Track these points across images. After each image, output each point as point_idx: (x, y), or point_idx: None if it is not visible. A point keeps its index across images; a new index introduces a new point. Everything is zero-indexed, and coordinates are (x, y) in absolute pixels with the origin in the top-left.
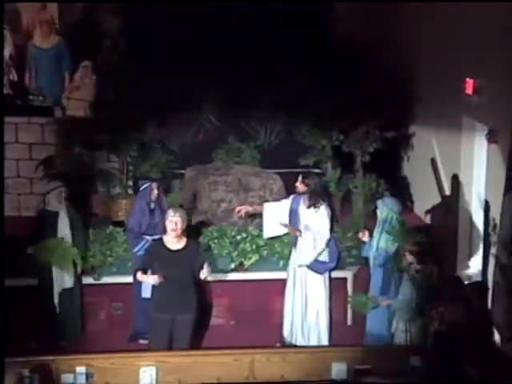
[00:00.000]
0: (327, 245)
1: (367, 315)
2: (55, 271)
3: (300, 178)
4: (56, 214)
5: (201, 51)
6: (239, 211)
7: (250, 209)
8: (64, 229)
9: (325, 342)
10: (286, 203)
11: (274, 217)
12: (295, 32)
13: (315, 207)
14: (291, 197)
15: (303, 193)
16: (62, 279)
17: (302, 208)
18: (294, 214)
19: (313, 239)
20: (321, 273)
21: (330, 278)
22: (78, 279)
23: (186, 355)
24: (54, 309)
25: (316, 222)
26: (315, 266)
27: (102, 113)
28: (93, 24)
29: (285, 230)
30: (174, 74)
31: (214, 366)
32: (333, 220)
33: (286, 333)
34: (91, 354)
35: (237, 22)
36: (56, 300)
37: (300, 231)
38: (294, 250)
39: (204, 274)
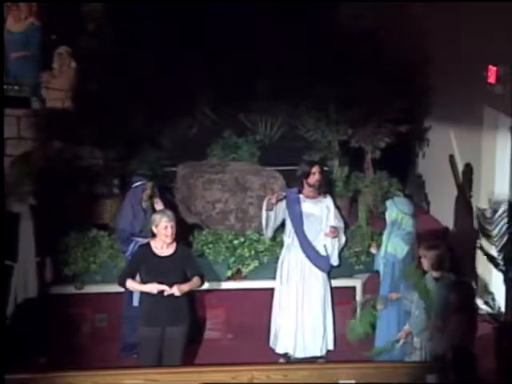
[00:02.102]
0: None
1: (376, 329)
2: (16, 280)
3: (317, 167)
4: (17, 216)
5: (194, 36)
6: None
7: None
8: (26, 232)
9: (330, 346)
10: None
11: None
12: (299, 16)
13: (324, 196)
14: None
15: (318, 182)
16: (26, 288)
17: (305, 202)
18: (297, 212)
19: (343, 233)
20: (324, 270)
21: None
22: (47, 288)
23: (177, 372)
24: (25, 321)
25: (328, 213)
26: (319, 261)
27: (84, 104)
28: (73, 6)
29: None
30: (164, 62)
31: None
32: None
33: (281, 348)
34: (72, 371)
35: (233, 6)
36: (24, 311)
37: (336, 230)
38: (294, 255)
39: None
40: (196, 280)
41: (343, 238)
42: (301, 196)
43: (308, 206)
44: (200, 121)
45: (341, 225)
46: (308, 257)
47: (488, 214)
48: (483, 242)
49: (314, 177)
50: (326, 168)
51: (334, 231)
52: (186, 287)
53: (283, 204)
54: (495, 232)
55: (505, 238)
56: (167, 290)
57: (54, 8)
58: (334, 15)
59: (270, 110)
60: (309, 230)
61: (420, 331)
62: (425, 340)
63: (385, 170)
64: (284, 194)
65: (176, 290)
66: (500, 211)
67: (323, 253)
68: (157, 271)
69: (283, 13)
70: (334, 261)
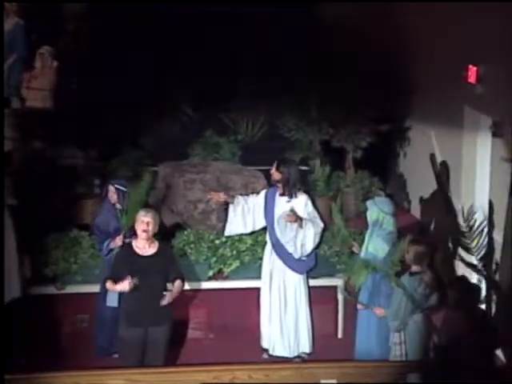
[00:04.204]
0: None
1: (357, 327)
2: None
3: (275, 164)
4: None
5: (175, 35)
6: (211, 198)
7: (221, 198)
8: (8, 232)
9: (306, 349)
10: (257, 199)
11: (241, 215)
12: (280, 15)
13: (290, 196)
14: (263, 192)
15: (277, 181)
16: (10, 288)
17: (279, 201)
18: (270, 210)
19: (313, 228)
20: (300, 272)
21: (308, 281)
22: (27, 288)
23: (159, 372)
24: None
25: (302, 212)
26: (294, 264)
27: (65, 104)
28: (54, 5)
29: (247, 230)
30: (144, 61)
31: None
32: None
33: (265, 344)
34: (54, 371)
35: (213, 6)
36: (6, 311)
37: (301, 219)
38: (268, 253)
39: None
40: (178, 284)
41: (315, 238)
42: (276, 194)
43: (281, 205)
44: (181, 120)
45: (319, 223)
46: (278, 255)
47: (464, 228)
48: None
49: (272, 176)
50: (305, 168)
51: (291, 216)
52: (170, 297)
53: (256, 204)
54: (473, 245)
55: (484, 250)
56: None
57: (34, 8)
58: (317, 15)
59: (252, 110)
60: (279, 228)
61: (394, 318)
62: (404, 334)
63: (366, 170)
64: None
65: (164, 301)
66: (476, 225)
67: (292, 252)
68: (138, 271)
69: (265, 12)
70: (296, 254)
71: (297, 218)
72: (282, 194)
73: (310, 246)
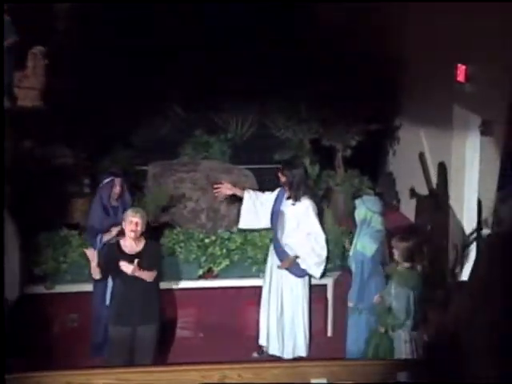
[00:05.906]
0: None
1: (348, 324)
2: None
3: (280, 168)
4: None
5: (164, 34)
6: (218, 191)
7: (229, 191)
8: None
9: (301, 352)
10: (270, 196)
11: (253, 207)
12: (270, 15)
13: (295, 200)
14: (277, 190)
15: (284, 184)
16: (7, 289)
17: (285, 203)
18: (276, 209)
19: (311, 249)
20: (300, 276)
21: (310, 282)
22: (22, 288)
23: (148, 371)
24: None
25: (302, 218)
26: (293, 269)
27: (56, 103)
28: (44, 4)
29: (260, 225)
30: (135, 60)
31: (179, 383)
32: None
33: (262, 342)
34: (43, 371)
35: (205, 5)
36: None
37: (295, 257)
38: (271, 251)
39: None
40: (151, 273)
41: (323, 250)
42: (285, 195)
43: (286, 206)
44: (171, 120)
45: (320, 234)
46: (277, 255)
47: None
48: None
49: (280, 178)
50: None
51: (284, 263)
52: (137, 271)
53: (269, 201)
54: None
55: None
56: (123, 266)
57: (26, 7)
58: (307, 14)
59: (242, 109)
60: (281, 228)
61: (401, 322)
62: (411, 332)
63: (356, 169)
64: None
65: (128, 268)
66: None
67: (291, 254)
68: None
69: (256, 11)
70: (315, 273)
71: (289, 262)
72: (289, 198)
73: (317, 270)
